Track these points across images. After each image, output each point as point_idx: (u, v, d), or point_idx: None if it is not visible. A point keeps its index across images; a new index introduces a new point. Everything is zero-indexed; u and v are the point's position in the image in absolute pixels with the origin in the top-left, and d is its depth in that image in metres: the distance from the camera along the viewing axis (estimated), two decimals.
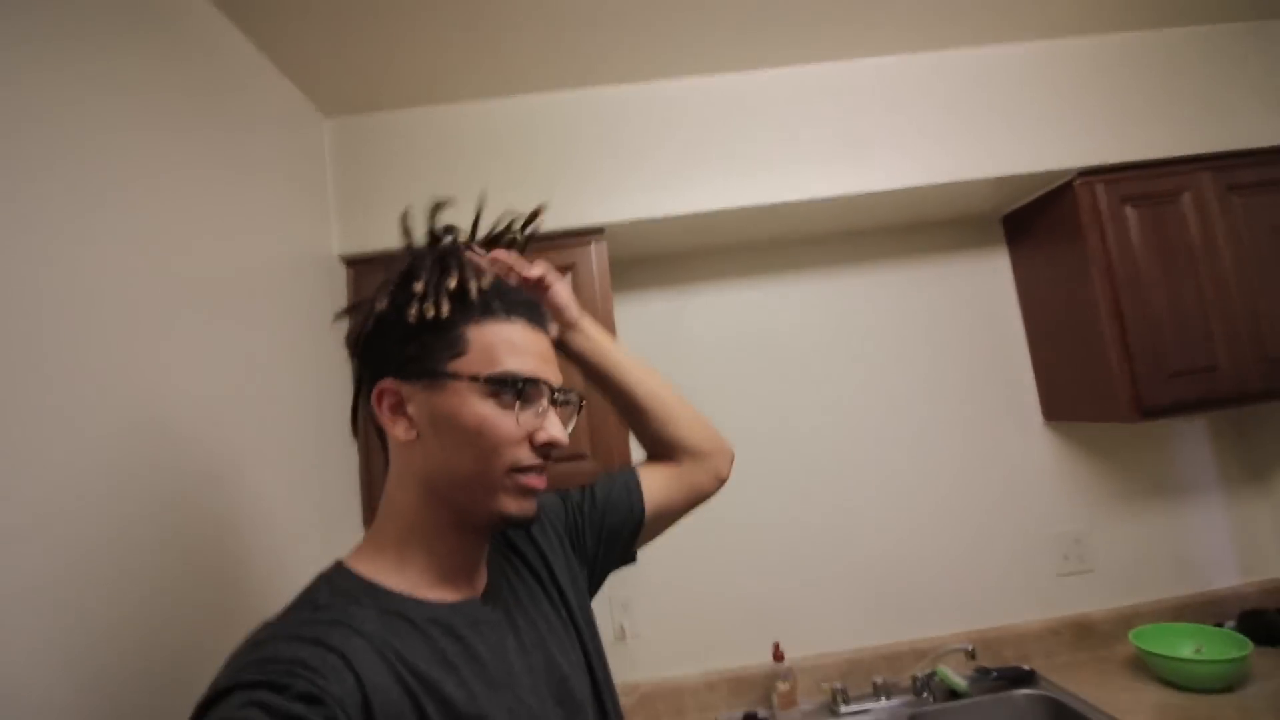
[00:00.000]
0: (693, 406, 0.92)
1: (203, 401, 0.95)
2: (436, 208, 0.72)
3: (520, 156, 1.52)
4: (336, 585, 0.63)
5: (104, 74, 0.84)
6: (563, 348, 0.84)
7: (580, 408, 0.75)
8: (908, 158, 1.54)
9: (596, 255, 1.50)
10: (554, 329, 0.78)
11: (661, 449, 0.91)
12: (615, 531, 0.86)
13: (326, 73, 1.36)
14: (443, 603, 0.65)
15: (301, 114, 1.41)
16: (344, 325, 0.76)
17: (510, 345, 0.65)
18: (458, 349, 0.64)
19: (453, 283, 0.64)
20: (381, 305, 0.66)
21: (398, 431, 0.65)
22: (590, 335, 0.87)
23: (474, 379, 0.63)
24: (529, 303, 0.70)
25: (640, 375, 0.89)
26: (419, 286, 0.64)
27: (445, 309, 0.64)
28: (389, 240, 0.75)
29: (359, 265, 1.49)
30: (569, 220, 1.49)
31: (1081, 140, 1.55)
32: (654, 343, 1.80)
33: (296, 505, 1.15)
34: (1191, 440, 1.82)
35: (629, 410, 0.89)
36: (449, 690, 0.58)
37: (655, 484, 0.89)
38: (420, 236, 0.72)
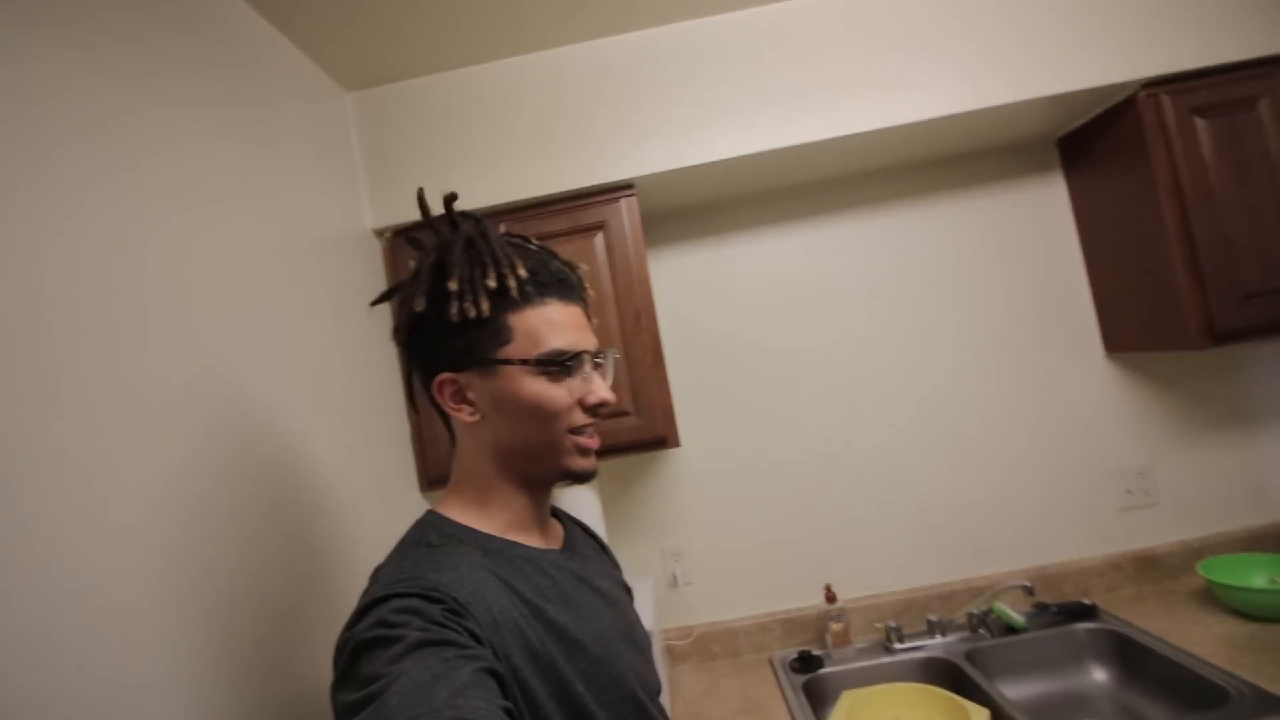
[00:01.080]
0: None
1: (259, 383, 0.98)
2: (450, 199, 0.74)
3: (544, 114, 1.49)
4: (441, 530, 0.71)
5: (124, 63, 0.84)
6: None
7: (615, 363, 0.80)
8: (953, 82, 1.44)
9: (627, 211, 1.47)
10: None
11: None
12: None
13: (344, 47, 1.35)
14: (530, 546, 0.73)
15: (323, 90, 1.41)
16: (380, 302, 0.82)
17: (550, 325, 0.71)
18: (503, 337, 0.70)
19: (491, 282, 0.68)
20: (420, 306, 0.70)
21: (463, 416, 0.72)
22: None
23: (524, 362, 0.69)
24: (557, 280, 0.73)
25: None
26: (454, 285, 0.68)
27: (486, 307, 0.67)
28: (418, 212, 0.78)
29: (392, 237, 1.51)
30: (597, 177, 1.46)
31: (1143, 50, 1.42)
32: (693, 296, 1.78)
33: (355, 471, 1.20)
34: (1263, 366, 1.72)
35: None
36: (553, 614, 0.67)
37: None
38: (440, 220, 0.75)
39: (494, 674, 0.56)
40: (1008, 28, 1.45)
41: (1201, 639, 1.38)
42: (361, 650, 0.56)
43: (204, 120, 0.98)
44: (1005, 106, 1.45)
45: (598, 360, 0.75)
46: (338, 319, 1.25)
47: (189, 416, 0.82)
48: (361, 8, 1.24)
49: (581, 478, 0.75)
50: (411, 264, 0.76)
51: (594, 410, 0.73)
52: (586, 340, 0.73)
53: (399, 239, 1.49)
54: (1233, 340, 1.43)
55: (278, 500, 0.97)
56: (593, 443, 0.75)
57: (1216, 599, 1.50)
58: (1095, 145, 1.63)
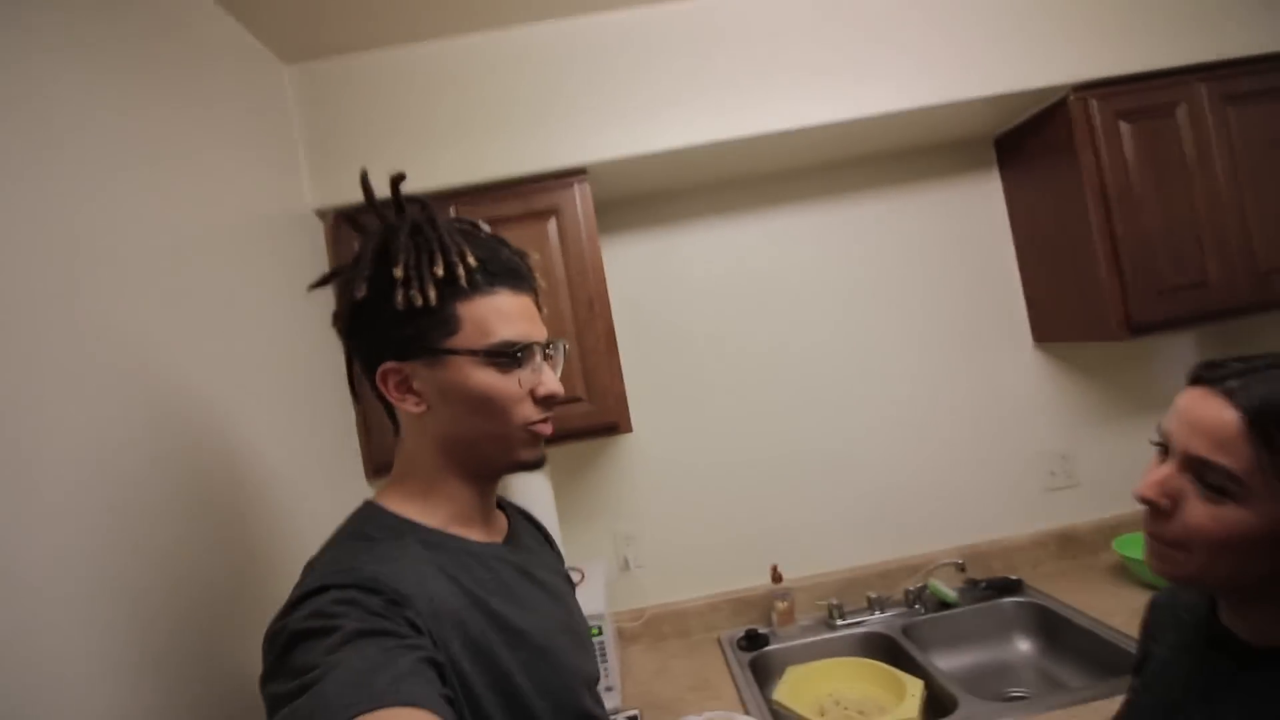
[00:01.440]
0: None
1: (195, 368, 0.94)
2: (397, 180, 0.71)
3: (497, 95, 1.46)
4: (380, 522, 0.69)
5: (44, 31, 0.79)
6: None
7: (564, 353, 0.79)
8: (896, 80, 1.48)
9: (580, 197, 1.47)
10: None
11: None
12: None
13: (284, 16, 1.28)
14: (472, 539, 0.72)
15: (260, 62, 1.34)
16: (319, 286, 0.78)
17: (500, 315, 0.68)
18: (451, 327, 0.67)
19: (439, 270, 0.65)
20: (361, 292, 0.66)
21: (408, 407, 0.70)
22: None
23: (473, 353, 0.67)
24: (508, 269, 0.70)
25: None
26: (399, 271, 0.65)
27: (433, 296, 0.65)
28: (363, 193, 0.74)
29: (334, 218, 1.46)
30: (551, 162, 1.45)
31: (1075, 54, 1.49)
32: (644, 284, 1.79)
33: (298, 461, 1.17)
34: (1178, 356, 1.85)
35: None
36: (496, 606, 0.66)
37: None
38: (382, 200, 0.72)
39: (434, 664, 0.56)
40: (945, 30, 1.50)
41: (1115, 610, 1.48)
42: (296, 640, 0.54)
43: (126, 85, 0.92)
44: (943, 106, 1.50)
45: (548, 351, 0.73)
46: (278, 300, 1.20)
47: (119, 399, 0.78)
48: None
49: (531, 467, 0.74)
50: (355, 246, 0.71)
51: (545, 402, 0.72)
52: (537, 331, 0.72)
53: (341, 220, 1.44)
54: (1149, 332, 1.52)
55: (215, 487, 0.93)
56: (546, 429, 0.73)
57: (1130, 573, 1.62)
58: (1028, 145, 1.71)
